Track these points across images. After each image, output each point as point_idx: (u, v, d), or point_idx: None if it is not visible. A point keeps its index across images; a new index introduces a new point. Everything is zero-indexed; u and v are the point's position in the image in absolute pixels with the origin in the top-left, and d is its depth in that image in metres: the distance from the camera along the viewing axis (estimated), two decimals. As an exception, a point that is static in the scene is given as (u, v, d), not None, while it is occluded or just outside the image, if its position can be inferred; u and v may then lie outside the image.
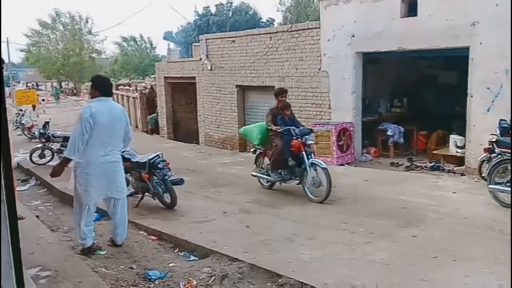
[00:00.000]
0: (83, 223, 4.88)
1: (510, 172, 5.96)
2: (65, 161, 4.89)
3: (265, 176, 7.66)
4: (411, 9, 9.10)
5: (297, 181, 7.15)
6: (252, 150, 8.21)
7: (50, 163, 10.54)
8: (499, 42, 7.86)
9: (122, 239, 5.27)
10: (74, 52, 48.88)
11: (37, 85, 44.80)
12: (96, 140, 4.72)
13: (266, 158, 7.71)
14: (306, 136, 7.00)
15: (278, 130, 7.12)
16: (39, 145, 10.88)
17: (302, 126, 7.51)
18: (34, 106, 19.21)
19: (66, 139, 8.36)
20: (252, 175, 7.93)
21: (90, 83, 5.11)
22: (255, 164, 7.99)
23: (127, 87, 25.28)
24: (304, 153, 6.86)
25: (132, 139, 5.31)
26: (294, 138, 6.96)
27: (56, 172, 4.88)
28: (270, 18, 45.94)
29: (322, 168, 6.72)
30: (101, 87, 4.99)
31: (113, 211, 5.09)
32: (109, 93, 5.08)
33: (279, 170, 7.28)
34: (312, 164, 6.83)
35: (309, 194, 6.87)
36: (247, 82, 13.01)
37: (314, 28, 10.96)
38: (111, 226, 5.29)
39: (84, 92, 47.09)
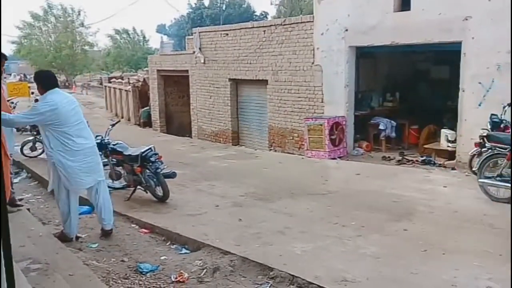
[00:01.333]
0: (73, 213, 4.94)
1: (511, 167, 5.98)
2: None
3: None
4: (404, 3, 9.11)
5: None
6: None
7: (41, 156, 10.48)
8: (491, 37, 7.89)
9: (110, 224, 5.30)
10: (66, 45, 48.49)
11: (25, 77, 44.43)
12: (69, 129, 4.77)
13: None
14: None
15: None
16: (30, 138, 10.78)
17: None
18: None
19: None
20: None
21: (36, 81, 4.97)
22: None
23: (119, 80, 25.14)
24: None
25: None
26: None
27: None
28: (263, 11, 45.90)
29: None
30: (49, 82, 4.90)
31: (96, 197, 5.13)
32: (56, 85, 4.97)
33: None
34: None
35: None
36: (240, 76, 12.98)
37: (307, 21, 10.94)
38: (98, 213, 5.28)
39: (77, 85, 46.83)
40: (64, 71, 51.63)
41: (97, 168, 5.11)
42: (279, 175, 8.54)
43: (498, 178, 5.98)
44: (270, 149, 12.10)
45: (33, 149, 10.64)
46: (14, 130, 5.57)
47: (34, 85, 5.27)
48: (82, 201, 5.83)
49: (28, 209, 6.10)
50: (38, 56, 48.60)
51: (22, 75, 49.23)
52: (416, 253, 4.54)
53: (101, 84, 47.88)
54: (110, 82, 26.27)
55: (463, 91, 8.43)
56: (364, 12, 9.65)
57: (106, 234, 5.30)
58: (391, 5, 9.22)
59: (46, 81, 4.91)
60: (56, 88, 4.89)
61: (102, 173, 5.26)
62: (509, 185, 5.87)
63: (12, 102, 18.38)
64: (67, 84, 49.79)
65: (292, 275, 4.05)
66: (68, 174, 4.84)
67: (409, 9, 8.98)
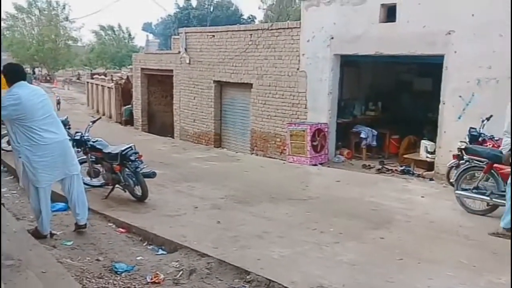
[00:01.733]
0: (44, 209, 4.83)
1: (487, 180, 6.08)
2: None
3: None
4: (390, 14, 9.24)
5: None
6: None
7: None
8: (473, 52, 8.05)
9: (84, 219, 5.22)
10: (49, 38, 47.82)
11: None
12: (36, 123, 4.65)
13: None
14: None
15: None
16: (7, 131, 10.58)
17: None
18: None
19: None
20: None
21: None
22: None
23: (102, 77, 24.87)
24: None
25: None
26: None
27: None
28: (251, 15, 46.07)
29: None
30: (16, 75, 4.80)
31: (70, 190, 5.03)
32: (23, 78, 4.84)
33: None
34: None
35: None
36: (225, 78, 12.97)
37: (294, 27, 11.00)
38: (71, 207, 5.19)
39: (58, 80, 46.15)
40: (46, 65, 50.88)
41: (67, 162, 4.95)
42: (260, 179, 8.54)
43: (474, 191, 6.08)
44: (252, 153, 12.10)
45: (9, 142, 10.43)
46: None
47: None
48: (58, 198, 5.73)
49: (3, 204, 5.97)
50: (20, 48, 47.81)
51: (0, 68, 48.25)
52: (392, 262, 4.58)
53: (78, 79, 47.40)
54: (92, 78, 25.97)
55: (444, 103, 8.57)
56: (350, 21, 9.75)
57: (79, 228, 5.23)
58: (376, 15, 9.34)
59: (11, 74, 4.79)
60: (22, 81, 4.75)
61: (76, 168, 5.11)
62: (485, 197, 5.98)
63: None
64: (48, 78, 49.05)
65: (269, 280, 4.04)
66: (34, 170, 4.71)
67: (394, 21, 9.10)
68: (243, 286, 4.08)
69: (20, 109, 4.56)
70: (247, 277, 4.17)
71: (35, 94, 4.77)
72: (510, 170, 5.58)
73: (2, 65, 5.00)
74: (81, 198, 5.14)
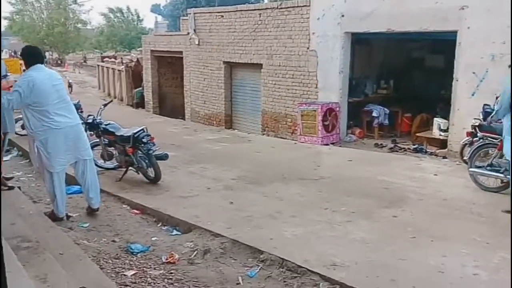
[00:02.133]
0: (58, 193, 4.92)
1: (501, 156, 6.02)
2: None
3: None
4: (401, -10, 9.04)
5: None
6: None
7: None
8: (486, 27, 7.88)
9: (97, 203, 5.32)
10: (58, 22, 47.78)
11: (15, 53, 43.70)
12: (45, 106, 4.70)
13: None
14: None
15: None
16: (21, 115, 10.69)
17: None
18: None
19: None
20: None
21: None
22: None
23: (112, 60, 24.89)
24: None
25: None
26: None
27: None
28: (260, -6, 45.33)
29: None
30: (33, 57, 4.88)
31: (83, 175, 5.11)
32: (40, 61, 4.94)
33: None
34: None
35: None
36: (235, 59, 12.89)
37: (304, 6, 10.84)
38: (85, 192, 5.28)
39: (69, 63, 46.26)
40: (57, 49, 50.98)
41: (80, 147, 5.02)
42: (271, 160, 8.56)
43: (488, 168, 6.04)
44: (263, 134, 12.10)
45: (24, 127, 10.55)
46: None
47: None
48: (73, 180, 5.81)
49: (19, 187, 6.08)
50: (30, 32, 47.90)
51: (12, 52, 48.52)
52: (404, 240, 4.59)
53: (85, 61, 47.40)
54: (103, 61, 26.00)
55: (457, 80, 8.44)
56: (361, -3, 9.58)
57: (92, 212, 5.33)
58: (388, -9, 9.15)
59: (29, 56, 4.87)
60: (39, 64, 4.83)
61: (88, 152, 5.17)
62: (499, 174, 5.93)
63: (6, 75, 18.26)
64: (59, 62, 49.22)
65: (282, 259, 4.09)
66: (48, 155, 4.79)
67: (406, -4, 8.92)
68: (257, 265, 4.13)
69: (36, 92, 4.61)
70: (261, 256, 4.22)
71: (50, 78, 4.83)
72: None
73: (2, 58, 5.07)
74: (94, 183, 5.22)
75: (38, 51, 5.13)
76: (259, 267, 4.09)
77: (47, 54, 52.47)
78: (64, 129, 4.82)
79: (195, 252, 4.38)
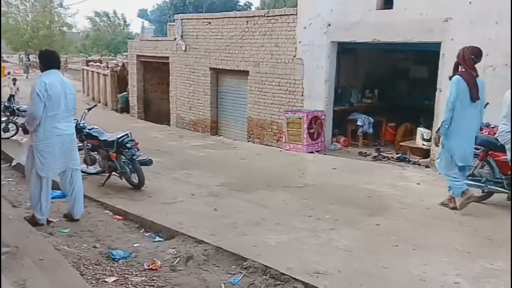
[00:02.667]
0: (44, 197, 4.90)
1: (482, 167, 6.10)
2: (27, 131, 4.94)
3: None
4: (387, 1, 9.18)
5: None
6: None
7: (14, 138, 10.24)
8: (470, 39, 7.97)
9: (80, 213, 5.31)
10: (43, 25, 47.22)
11: (-2, 56, 43.18)
12: (53, 112, 4.79)
13: None
14: None
15: None
16: (3, 119, 10.53)
17: None
18: (14, 80, 18.89)
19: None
20: None
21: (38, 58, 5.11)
22: None
23: (98, 64, 24.68)
24: None
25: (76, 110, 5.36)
26: None
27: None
28: (247, 1, 45.67)
29: None
30: (49, 61, 4.98)
31: (71, 184, 5.14)
32: (58, 66, 5.07)
33: None
34: None
35: None
36: (222, 65, 12.90)
37: (291, 14, 10.92)
38: (69, 201, 5.28)
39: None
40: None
41: (72, 156, 5.11)
42: (256, 167, 8.55)
43: (470, 178, 6.11)
44: (249, 140, 12.10)
45: (5, 130, 10.39)
46: None
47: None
48: (54, 185, 5.72)
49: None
50: (15, 35, 47.22)
51: (-6, 54, 47.91)
52: (387, 248, 4.62)
53: (65, 65, 46.93)
54: (88, 65, 25.77)
55: (440, 91, 8.57)
56: (347, 8, 9.69)
57: (73, 220, 5.29)
58: (374, 2, 9.28)
59: (46, 60, 4.98)
60: (55, 69, 4.94)
61: (78, 163, 5.26)
62: (480, 184, 6.01)
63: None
64: (43, 65, 48.57)
65: (265, 266, 4.07)
66: (44, 160, 4.83)
67: (391, 8, 9.05)
68: (240, 272, 4.11)
69: (48, 95, 4.70)
70: (244, 263, 4.20)
71: (63, 85, 4.91)
72: (505, 157, 5.63)
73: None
74: (80, 194, 5.27)
75: (56, 56, 5.18)
76: (242, 274, 4.06)
77: (31, 57, 51.92)
78: (62, 136, 4.92)
79: (178, 259, 4.34)
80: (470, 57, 5.62)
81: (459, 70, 5.68)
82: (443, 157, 5.72)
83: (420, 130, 9.40)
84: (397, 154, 9.64)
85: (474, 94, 5.53)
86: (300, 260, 4.23)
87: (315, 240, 4.80)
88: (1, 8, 48.01)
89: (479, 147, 6.03)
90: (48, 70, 4.90)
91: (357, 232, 5.08)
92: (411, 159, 9.23)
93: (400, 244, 4.69)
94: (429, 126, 9.15)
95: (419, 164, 8.90)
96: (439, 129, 5.73)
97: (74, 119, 6.66)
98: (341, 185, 7.14)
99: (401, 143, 9.94)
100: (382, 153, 9.86)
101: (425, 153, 9.12)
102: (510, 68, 7.36)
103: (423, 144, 9.24)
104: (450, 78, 5.76)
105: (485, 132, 7.01)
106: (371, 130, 10.83)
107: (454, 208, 5.74)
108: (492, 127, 7.01)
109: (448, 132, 5.56)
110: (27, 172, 5.01)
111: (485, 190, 6.07)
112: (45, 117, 4.74)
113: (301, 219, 5.44)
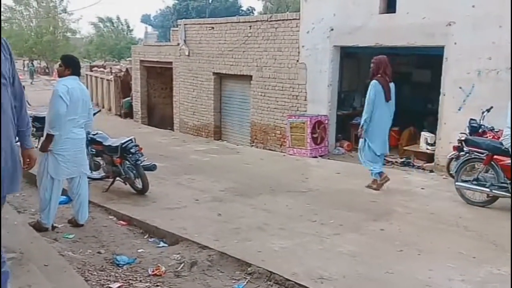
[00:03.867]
0: (53, 201, 4.95)
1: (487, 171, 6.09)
2: (50, 138, 4.92)
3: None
4: (390, 5, 9.19)
5: None
6: None
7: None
8: (473, 43, 8.02)
9: (85, 219, 5.34)
10: (47, 30, 47.49)
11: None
12: (72, 117, 4.90)
13: None
14: None
15: None
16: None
17: None
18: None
19: (36, 119, 8.14)
20: None
21: (59, 62, 5.17)
22: None
23: (101, 69, 24.75)
24: None
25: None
26: None
27: (46, 147, 4.91)
28: (250, 6, 45.86)
29: None
30: (73, 66, 5.11)
31: (78, 189, 5.20)
32: (79, 72, 5.24)
33: None
34: None
35: None
36: (225, 70, 12.93)
37: (293, 19, 10.95)
38: (75, 206, 5.30)
39: (56, 72, 45.89)
40: (45, 57, 50.60)
41: (83, 160, 5.21)
42: (260, 171, 8.55)
43: (474, 182, 6.10)
44: (252, 145, 12.10)
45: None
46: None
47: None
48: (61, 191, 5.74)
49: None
50: (19, 41, 47.42)
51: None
52: (392, 253, 4.60)
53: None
54: (91, 71, 25.86)
55: (444, 95, 8.56)
56: (350, 12, 9.71)
57: (77, 226, 5.32)
58: (376, 6, 9.29)
59: (67, 65, 5.05)
60: (75, 76, 5.08)
61: (87, 167, 5.38)
62: (485, 189, 5.99)
63: None
64: (47, 70, 48.88)
65: (270, 272, 4.07)
66: (57, 162, 4.90)
67: (394, 12, 9.06)
68: (244, 278, 4.10)
69: (67, 100, 4.80)
70: (248, 269, 4.19)
71: (82, 91, 5.05)
72: (509, 161, 5.61)
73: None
74: (85, 200, 5.30)
75: (77, 62, 5.27)
76: (247, 280, 4.06)
77: (35, 62, 52.15)
78: (76, 140, 5.03)
79: (182, 265, 4.34)
80: (386, 65, 6.69)
81: (376, 75, 6.65)
82: (367, 152, 6.81)
83: (424, 135, 9.39)
84: (401, 158, 9.61)
85: (388, 95, 6.72)
86: (304, 266, 4.22)
87: (319, 245, 4.79)
88: (6, 14, 48.43)
89: (483, 151, 6.03)
90: (69, 76, 5.01)
91: (361, 237, 5.06)
92: (415, 164, 9.21)
93: (405, 249, 4.68)
94: (433, 130, 9.13)
95: (423, 169, 8.88)
96: (362, 125, 6.74)
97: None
98: (345, 189, 7.13)
99: (405, 148, 9.92)
100: (386, 158, 9.81)
101: (429, 158, 9.10)
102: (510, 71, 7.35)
103: (427, 149, 9.22)
104: (369, 82, 6.78)
105: (489, 136, 7.01)
106: (374, 135, 10.78)
107: (376, 189, 6.84)
108: (496, 131, 7.00)
109: (369, 127, 6.65)
110: (38, 176, 5.05)
111: (490, 195, 6.05)
112: (65, 121, 4.84)
113: (305, 224, 5.43)
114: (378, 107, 6.64)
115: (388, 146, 7.07)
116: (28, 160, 3.18)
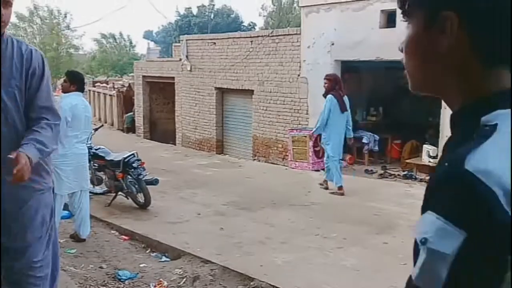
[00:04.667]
0: (56, 218, 4.91)
1: None
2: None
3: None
4: (390, 20, 9.27)
5: None
6: None
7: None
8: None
9: (87, 233, 5.34)
10: (51, 47, 47.88)
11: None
12: (75, 132, 4.97)
13: None
14: None
15: None
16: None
17: None
18: None
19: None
20: None
21: (65, 77, 5.26)
22: None
23: (104, 85, 24.91)
24: None
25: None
26: None
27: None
28: (251, 22, 46.17)
29: None
30: (78, 82, 5.19)
31: (79, 204, 5.20)
32: (83, 88, 5.35)
33: None
34: None
35: None
36: (226, 85, 13.00)
37: (294, 34, 11.04)
38: (77, 221, 5.30)
39: (60, 88, 46.26)
40: (48, 74, 50.96)
41: (85, 175, 5.26)
42: (262, 185, 8.54)
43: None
44: (254, 159, 12.11)
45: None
46: None
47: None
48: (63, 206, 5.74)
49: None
50: (22, 57, 47.89)
51: None
52: (395, 266, 4.56)
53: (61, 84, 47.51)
54: (94, 86, 26.03)
55: (445, 108, 8.56)
56: (351, 27, 9.78)
57: (80, 240, 5.30)
58: (377, 21, 9.37)
59: (72, 81, 5.12)
60: (79, 92, 5.19)
61: (89, 182, 5.43)
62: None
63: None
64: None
65: (273, 286, 4.04)
66: (59, 177, 4.88)
67: (394, 26, 9.12)
68: (247, 292, 4.08)
69: (71, 116, 4.88)
70: (251, 283, 4.17)
71: (85, 108, 5.15)
72: None
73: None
74: (87, 214, 5.32)
75: (82, 78, 5.39)
76: (249, 295, 4.03)
77: (38, 78, 52.48)
78: (78, 155, 5.07)
79: (184, 279, 4.32)
80: (339, 82, 7.74)
81: (332, 91, 7.52)
82: (332, 166, 7.64)
83: (426, 147, 9.38)
84: (404, 171, 9.60)
85: (343, 107, 7.55)
86: (307, 280, 4.20)
87: (322, 259, 4.76)
88: (10, 31, 48.99)
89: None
90: (74, 92, 5.08)
91: (364, 250, 5.04)
92: (417, 176, 9.19)
93: (408, 263, 4.60)
94: (434, 143, 9.13)
95: (425, 181, 8.85)
96: (314, 131, 8.08)
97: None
98: (348, 203, 7.11)
99: (407, 160, 9.91)
100: (388, 171, 9.82)
101: (432, 170, 9.06)
102: None
103: (429, 161, 9.20)
104: (325, 96, 7.66)
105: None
106: (376, 148, 10.81)
107: (326, 189, 7.82)
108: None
109: (327, 137, 7.62)
110: None
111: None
112: (68, 136, 4.89)
113: (307, 238, 5.41)
114: (335, 116, 7.49)
115: (342, 150, 8.06)
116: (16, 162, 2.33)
